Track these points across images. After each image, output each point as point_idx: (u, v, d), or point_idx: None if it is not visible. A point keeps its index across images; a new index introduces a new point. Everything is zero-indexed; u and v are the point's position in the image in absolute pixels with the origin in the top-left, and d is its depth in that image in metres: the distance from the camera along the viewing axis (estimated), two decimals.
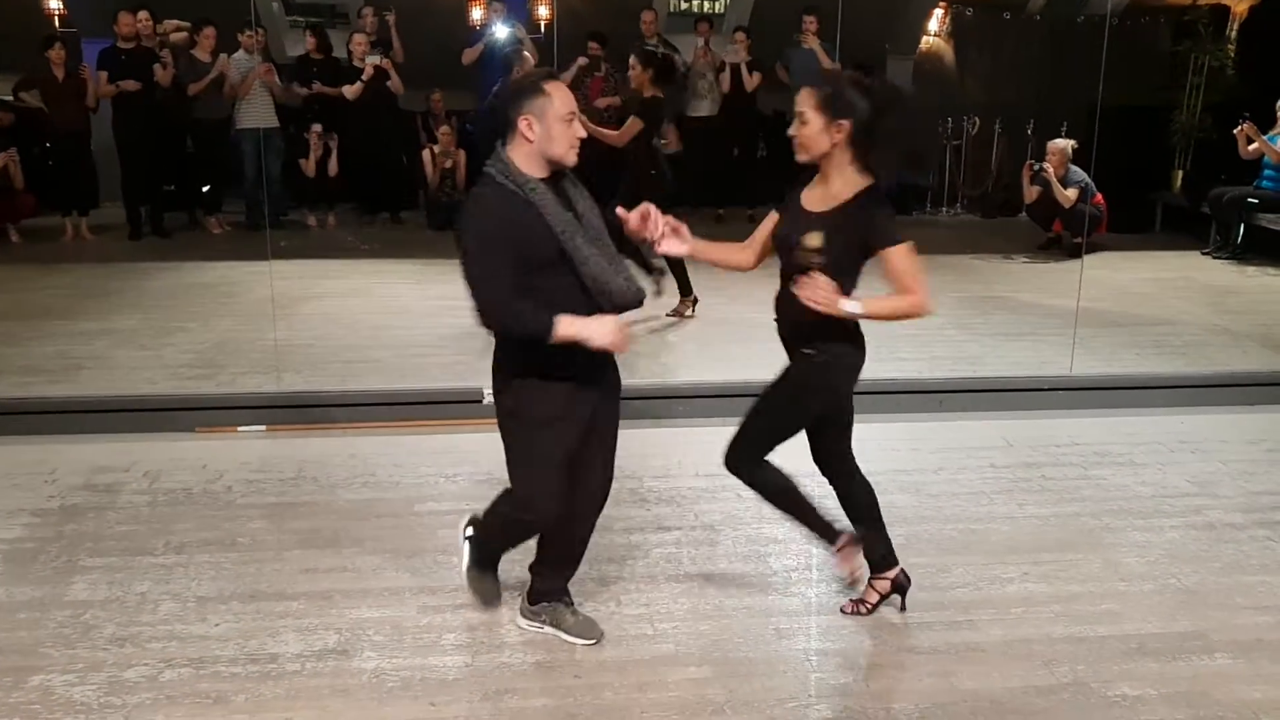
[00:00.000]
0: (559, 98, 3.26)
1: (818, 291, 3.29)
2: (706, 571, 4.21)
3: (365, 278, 8.76)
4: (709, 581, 4.13)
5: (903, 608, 3.90)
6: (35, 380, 6.11)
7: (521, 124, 3.25)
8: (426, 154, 10.59)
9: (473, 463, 5.21)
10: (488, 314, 3.25)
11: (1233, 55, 11.02)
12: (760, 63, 10.74)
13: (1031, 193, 9.90)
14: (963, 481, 5.10)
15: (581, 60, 10.14)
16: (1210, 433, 5.79)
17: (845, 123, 3.36)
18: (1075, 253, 9.10)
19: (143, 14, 9.68)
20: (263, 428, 5.66)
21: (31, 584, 4.07)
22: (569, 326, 3.20)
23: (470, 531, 3.79)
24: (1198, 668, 3.65)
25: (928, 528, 4.60)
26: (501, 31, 10.26)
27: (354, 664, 3.59)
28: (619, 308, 3.33)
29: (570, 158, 3.31)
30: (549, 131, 3.24)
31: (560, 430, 3.41)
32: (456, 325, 7.29)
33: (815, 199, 3.50)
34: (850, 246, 3.40)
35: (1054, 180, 9.58)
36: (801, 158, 3.47)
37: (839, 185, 3.44)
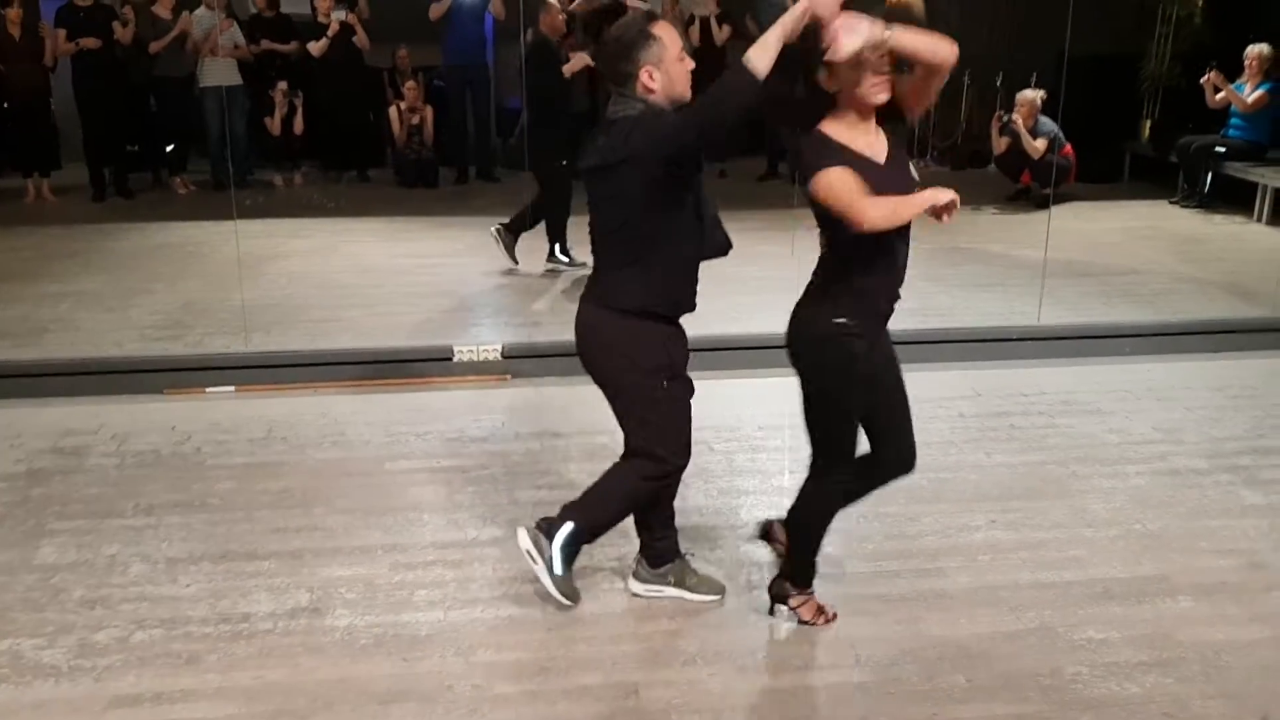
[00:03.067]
0: (669, 38, 3.24)
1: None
2: (678, 525, 4.21)
3: (332, 236, 8.69)
4: (681, 534, 4.12)
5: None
6: None
7: (644, 76, 3.21)
8: (393, 110, 10.49)
9: (443, 420, 5.21)
10: (709, 115, 3.07)
11: (1200, 4, 11.00)
12: (730, 15, 10.67)
13: (1000, 144, 9.91)
14: (931, 431, 5.12)
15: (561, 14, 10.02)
16: (1176, 380, 5.84)
17: None
18: (1044, 203, 9.12)
19: None
20: (231, 388, 5.63)
21: None
22: (765, 44, 2.99)
23: (569, 528, 3.53)
24: (1161, 610, 3.70)
25: None
26: None
27: (326, 622, 3.60)
28: (712, 252, 3.42)
29: (688, 93, 3.29)
30: (669, 75, 3.23)
31: (686, 378, 3.50)
32: (425, 283, 7.29)
33: (877, 147, 3.15)
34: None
35: (1023, 131, 9.59)
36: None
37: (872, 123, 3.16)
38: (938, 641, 3.50)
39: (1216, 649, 3.49)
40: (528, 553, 3.55)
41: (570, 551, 3.55)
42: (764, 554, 4.02)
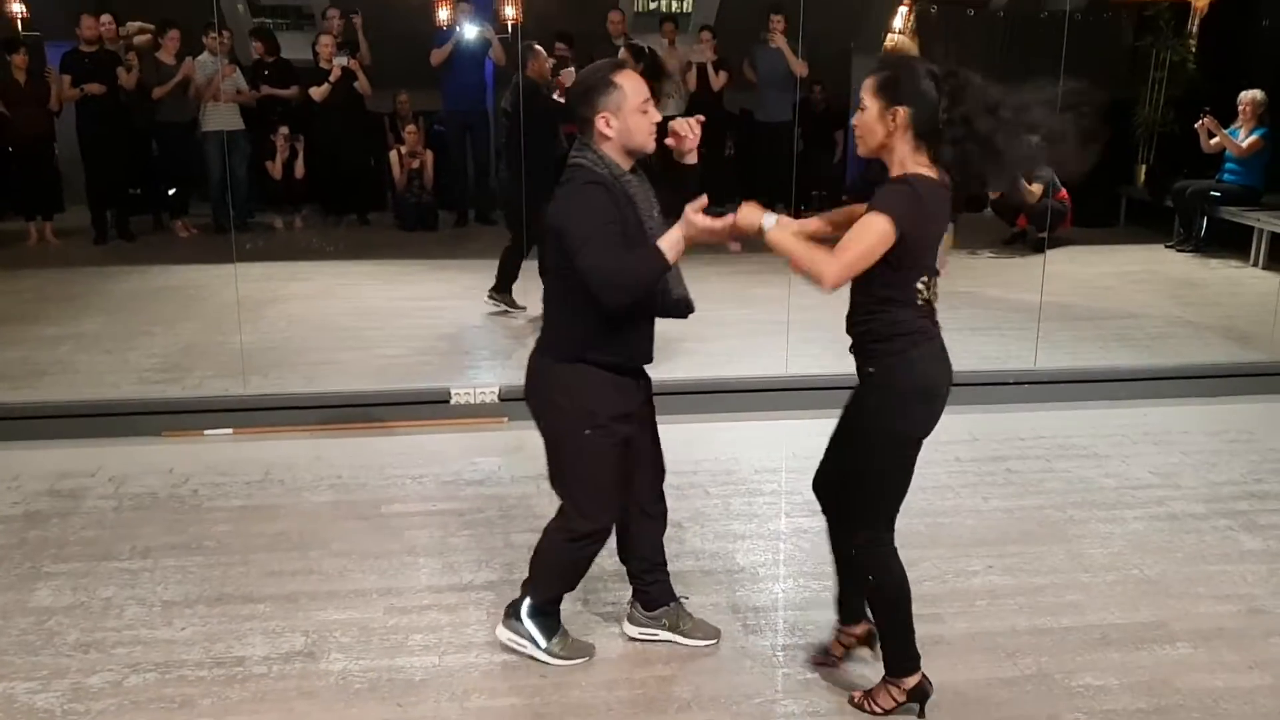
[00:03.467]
0: (631, 88, 3.22)
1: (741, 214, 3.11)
2: (673, 569, 4.18)
3: (332, 280, 8.73)
4: (676, 578, 4.11)
5: (921, 715, 3.36)
6: None
7: (599, 123, 3.21)
8: (394, 155, 10.56)
9: (439, 463, 5.21)
10: (616, 285, 3.11)
11: (1194, 50, 11.11)
12: (727, 62, 10.76)
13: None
14: (928, 475, 5.11)
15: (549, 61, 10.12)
16: (1172, 424, 5.85)
17: (901, 109, 3.02)
18: (1040, 247, 9.17)
19: (106, 17, 9.58)
20: (229, 431, 5.63)
21: None
22: (670, 243, 3.12)
23: (528, 602, 3.57)
24: (1159, 657, 3.69)
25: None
26: (470, 31, 10.24)
27: (321, 666, 3.58)
28: (668, 313, 3.35)
29: (650, 144, 3.28)
30: (626, 124, 3.22)
31: (616, 430, 3.37)
32: (423, 326, 7.31)
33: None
34: None
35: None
36: (860, 150, 3.18)
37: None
38: (935, 688, 3.47)
39: (1216, 696, 3.47)
40: (510, 642, 3.61)
41: (542, 620, 3.58)
42: (761, 599, 4.02)
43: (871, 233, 2.97)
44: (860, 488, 3.26)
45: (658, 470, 3.65)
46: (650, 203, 3.32)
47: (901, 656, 3.34)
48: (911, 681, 3.33)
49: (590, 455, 3.35)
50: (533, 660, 3.60)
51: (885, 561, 3.28)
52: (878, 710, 3.35)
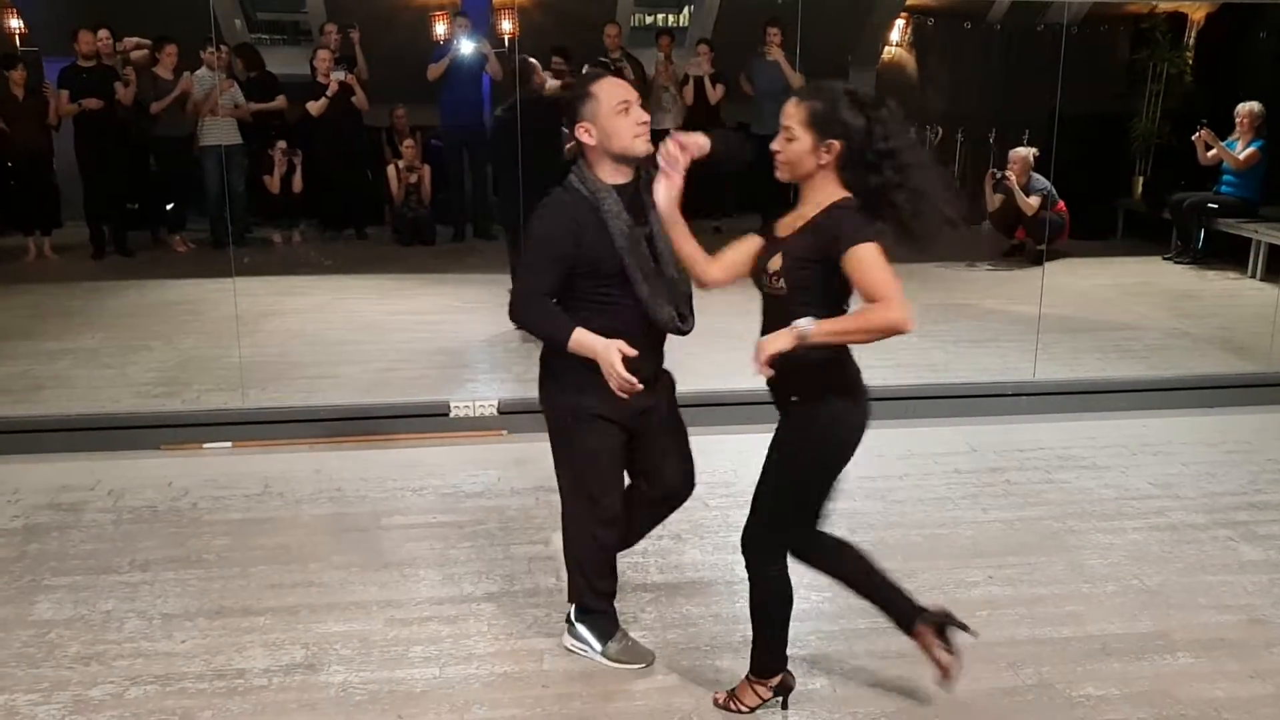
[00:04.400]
0: (605, 93, 3.23)
1: (760, 353, 2.92)
2: (674, 580, 4.22)
3: (330, 294, 8.73)
4: (676, 590, 4.14)
5: (784, 706, 3.46)
6: None
7: (581, 133, 3.25)
8: (391, 169, 10.57)
9: (439, 476, 5.21)
10: (518, 305, 3.24)
11: (1190, 62, 11.17)
12: (724, 75, 10.78)
13: (994, 201, 9.98)
14: (928, 487, 5.13)
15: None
16: (1171, 435, 5.86)
17: (836, 144, 2.98)
18: (1038, 260, 9.18)
19: (103, 32, 9.60)
20: (228, 444, 5.63)
21: None
22: (581, 337, 3.17)
23: (572, 609, 3.69)
24: (1160, 667, 3.69)
25: (894, 533, 4.63)
26: (467, 47, 10.27)
27: (321, 678, 3.58)
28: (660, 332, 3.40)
29: (639, 146, 3.25)
30: (604, 129, 3.22)
31: (604, 429, 3.41)
32: (422, 340, 7.31)
33: (785, 224, 3.13)
34: (813, 265, 2.99)
35: (1016, 188, 9.67)
36: (782, 176, 3.10)
37: (812, 205, 3.06)
38: (936, 698, 3.48)
39: (1217, 706, 3.47)
40: (572, 649, 3.71)
41: (592, 625, 3.66)
42: None
43: (882, 259, 2.93)
44: (783, 495, 3.37)
45: (669, 484, 3.66)
46: (628, 219, 3.25)
47: (771, 661, 3.40)
48: (776, 680, 3.41)
49: (580, 446, 3.43)
50: (534, 672, 3.61)
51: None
52: (744, 709, 3.40)
